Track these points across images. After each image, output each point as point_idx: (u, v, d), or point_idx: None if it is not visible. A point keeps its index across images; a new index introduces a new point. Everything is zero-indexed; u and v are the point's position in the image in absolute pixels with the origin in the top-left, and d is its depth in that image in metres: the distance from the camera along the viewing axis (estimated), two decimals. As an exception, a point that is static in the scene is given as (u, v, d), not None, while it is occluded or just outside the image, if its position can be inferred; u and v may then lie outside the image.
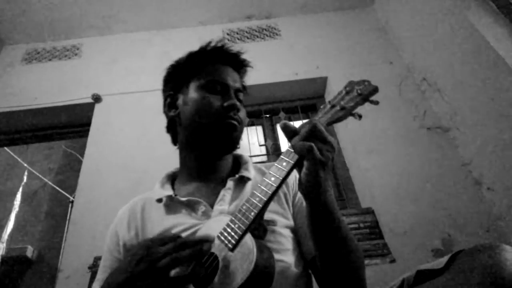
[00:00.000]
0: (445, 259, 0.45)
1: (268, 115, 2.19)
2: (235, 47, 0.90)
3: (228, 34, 2.35)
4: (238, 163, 0.87)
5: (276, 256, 0.60)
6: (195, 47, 0.90)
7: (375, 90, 0.60)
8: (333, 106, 0.61)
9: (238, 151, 0.87)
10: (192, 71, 0.85)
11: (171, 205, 0.76)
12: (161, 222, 0.74)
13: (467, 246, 0.45)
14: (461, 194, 1.57)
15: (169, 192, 0.79)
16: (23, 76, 2.19)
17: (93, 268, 1.40)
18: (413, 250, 1.43)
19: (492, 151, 1.53)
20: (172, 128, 0.89)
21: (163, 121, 0.93)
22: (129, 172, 1.71)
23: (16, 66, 2.24)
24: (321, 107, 0.64)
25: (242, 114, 0.82)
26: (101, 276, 0.75)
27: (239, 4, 2.33)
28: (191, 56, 0.88)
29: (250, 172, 0.81)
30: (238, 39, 2.32)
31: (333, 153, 0.56)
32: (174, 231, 0.70)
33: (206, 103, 0.78)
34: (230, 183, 0.77)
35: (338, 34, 2.30)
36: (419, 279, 0.48)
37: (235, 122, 0.78)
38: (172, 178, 0.88)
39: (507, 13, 1.55)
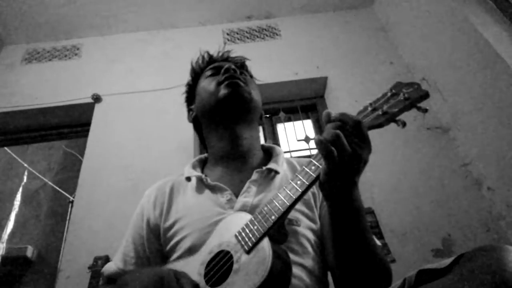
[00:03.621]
0: (448, 260, 0.45)
1: (268, 115, 2.19)
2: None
3: (228, 34, 2.35)
4: (270, 154, 0.86)
5: (295, 258, 0.59)
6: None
7: (426, 95, 0.53)
8: (374, 110, 0.55)
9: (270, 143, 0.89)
10: (196, 80, 0.93)
11: (199, 186, 0.77)
12: (186, 205, 0.74)
13: (467, 246, 0.45)
14: (461, 194, 1.57)
15: (199, 173, 0.79)
16: (23, 76, 2.19)
17: (93, 268, 1.40)
18: (413, 250, 1.43)
19: (492, 151, 1.53)
20: (198, 131, 0.95)
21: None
22: (129, 172, 1.71)
23: (16, 66, 2.24)
24: (361, 109, 0.57)
25: (247, 78, 0.87)
26: (122, 249, 0.77)
27: (239, 4, 2.33)
28: (191, 72, 0.97)
29: (280, 165, 0.79)
30: (238, 39, 2.32)
31: (360, 163, 0.52)
32: (196, 216, 0.70)
33: (206, 85, 0.85)
34: (256, 175, 0.75)
35: (338, 34, 2.30)
36: (420, 279, 0.48)
37: (235, 80, 0.80)
38: (203, 163, 0.89)
39: (507, 13, 1.55)
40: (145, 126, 1.88)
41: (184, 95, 0.99)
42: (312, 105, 2.20)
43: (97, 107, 2.02)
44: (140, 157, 1.76)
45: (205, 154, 0.92)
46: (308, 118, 2.17)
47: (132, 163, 1.74)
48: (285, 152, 2.00)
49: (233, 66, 0.84)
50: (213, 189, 0.74)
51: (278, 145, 2.03)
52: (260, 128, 2.15)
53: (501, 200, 1.48)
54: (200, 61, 0.95)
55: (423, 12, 1.93)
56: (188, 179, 0.80)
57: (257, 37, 2.32)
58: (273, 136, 2.10)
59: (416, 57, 2.04)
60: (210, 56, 0.96)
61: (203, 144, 0.95)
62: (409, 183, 1.62)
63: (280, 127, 2.12)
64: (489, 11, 1.61)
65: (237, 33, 2.35)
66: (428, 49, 1.91)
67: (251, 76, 0.95)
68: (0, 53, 2.31)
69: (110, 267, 0.76)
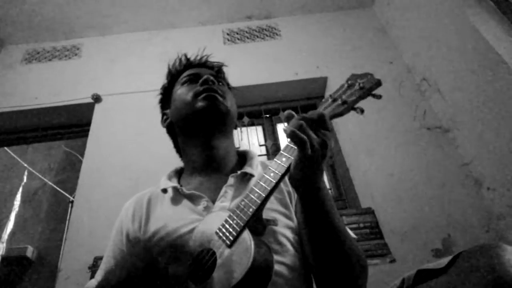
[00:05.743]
0: (446, 259, 0.45)
1: (268, 115, 2.19)
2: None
3: (228, 34, 2.35)
4: (245, 159, 0.86)
5: (276, 257, 0.59)
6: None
7: (378, 83, 0.58)
8: (334, 100, 0.59)
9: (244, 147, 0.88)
10: (172, 84, 0.93)
11: (175, 197, 0.77)
12: (164, 215, 0.74)
13: (467, 246, 0.45)
14: (461, 194, 1.57)
15: (175, 184, 0.79)
16: (23, 76, 2.19)
17: (93, 268, 1.40)
18: (413, 250, 1.43)
19: (492, 151, 1.53)
20: (172, 137, 0.95)
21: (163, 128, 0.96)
22: (129, 172, 1.71)
23: (16, 66, 2.24)
24: (322, 101, 0.62)
25: (223, 89, 0.86)
26: (104, 266, 0.77)
27: (239, 4, 2.33)
28: (168, 74, 0.96)
29: (254, 168, 0.80)
30: (238, 39, 2.32)
31: (326, 149, 0.54)
32: (174, 225, 0.70)
33: (183, 93, 0.84)
34: (231, 180, 0.76)
35: (338, 34, 2.30)
36: (419, 279, 0.48)
37: (213, 93, 0.80)
38: (179, 173, 0.89)
39: (507, 13, 1.55)
40: (145, 126, 1.88)
41: (158, 98, 0.98)
42: (312, 105, 2.20)
43: (97, 107, 2.02)
44: (140, 157, 1.76)
45: (181, 165, 0.92)
46: (308, 118, 2.17)
47: (132, 163, 1.74)
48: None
49: (211, 78, 0.83)
50: (190, 197, 0.75)
51: (278, 144, 2.04)
52: (260, 129, 2.15)
53: (501, 200, 1.48)
54: (177, 64, 0.95)
55: (423, 12, 1.93)
56: (164, 190, 0.80)
57: (257, 37, 2.32)
58: (273, 136, 2.10)
59: (416, 57, 2.04)
60: (188, 59, 0.95)
61: (178, 152, 0.95)
62: (409, 183, 1.62)
63: (280, 127, 2.12)
64: (489, 11, 1.61)
65: (237, 33, 2.35)
66: (428, 49, 1.91)
67: (228, 84, 0.95)
68: (0, 53, 2.31)
69: (91, 283, 0.75)
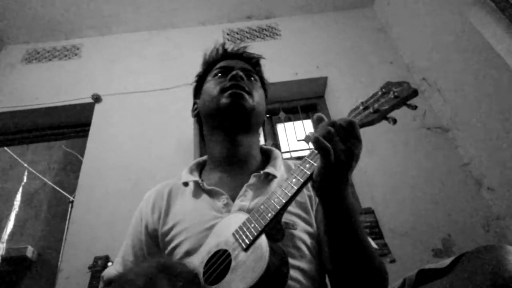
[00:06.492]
0: (448, 260, 0.45)
1: (268, 115, 2.19)
2: (231, 47, 0.93)
3: (228, 34, 2.35)
4: (269, 157, 0.85)
5: (292, 261, 0.58)
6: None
7: (414, 92, 0.55)
8: (366, 108, 0.57)
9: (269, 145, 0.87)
10: (206, 73, 0.91)
11: (196, 191, 0.77)
12: (183, 209, 0.74)
13: (467, 246, 0.45)
14: (461, 194, 1.57)
15: (196, 178, 0.79)
16: (23, 76, 2.19)
17: (93, 268, 1.40)
18: (413, 250, 1.43)
19: (492, 151, 1.53)
20: (200, 128, 0.93)
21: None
22: (129, 172, 1.71)
23: (16, 66, 2.24)
24: (353, 108, 0.59)
25: (253, 85, 0.85)
26: (122, 253, 0.77)
27: (239, 4, 2.33)
28: (203, 62, 0.94)
29: (277, 169, 0.78)
30: (238, 39, 2.32)
31: (353, 159, 0.52)
32: (193, 221, 0.70)
33: (211, 86, 0.83)
34: (253, 179, 0.74)
35: (338, 34, 2.30)
36: (420, 279, 0.48)
37: (238, 90, 0.79)
38: (201, 166, 0.88)
39: (507, 13, 1.55)
40: (145, 126, 1.88)
41: (193, 85, 0.97)
42: (312, 105, 2.20)
43: (97, 107, 2.02)
44: (140, 157, 1.76)
45: (204, 157, 0.91)
46: (308, 118, 2.17)
47: (132, 163, 1.74)
48: (285, 152, 2.00)
49: (240, 73, 0.81)
50: (210, 193, 0.74)
51: (278, 145, 2.03)
52: (260, 129, 2.15)
53: (501, 200, 1.48)
54: (214, 53, 0.93)
55: (423, 12, 1.93)
56: (186, 184, 0.80)
57: (257, 37, 2.32)
58: (273, 136, 2.10)
59: (416, 57, 2.04)
60: (225, 50, 0.93)
61: (203, 141, 0.94)
62: (409, 183, 1.62)
63: (280, 127, 2.12)
64: (489, 11, 1.61)
65: (237, 33, 2.35)
66: (428, 49, 1.91)
67: (262, 78, 0.94)
68: (0, 53, 2.31)
69: (109, 271, 0.76)
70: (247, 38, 2.32)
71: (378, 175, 1.65)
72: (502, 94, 1.46)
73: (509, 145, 1.44)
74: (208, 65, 0.93)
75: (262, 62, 1.01)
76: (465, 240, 1.44)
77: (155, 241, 0.75)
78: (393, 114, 0.56)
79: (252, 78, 0.88)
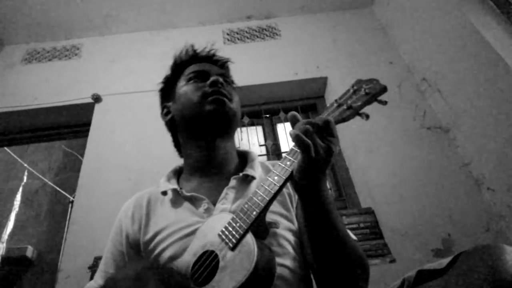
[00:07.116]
0: (446, 260, 0.45)
1: (268, 115, 2.19)
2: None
3: (228, 34, 2.35)
4: (245, 160, 0.85)
5: (277, 259, 0.59)
6: (195, 47, 0.93)
7: (383, 89, 0.59)
8: (339, 105, 0.60)
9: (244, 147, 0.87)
10: (176, 76, 0.90)
11: (176, 199, 0.76)
12: (164, 217, 0.74)
13: (467, 246, 0.45)
14: (461, 194, 1.57)
15: (175, 186, 0.78)
16: (23, 76, 2.19)
17: (93, 268, 1.40)
18: (413, 250, 1.43)
19: (492, 151, 1.53)
20: (172, 132, 0.92)
21: (162, 121, 0.94)
22: (129, 172, 1.71)
23: (16, 66, 2.24)
24: (327, 105, 0.62)
25: (231, 90, 0.85)
26: (103, 266, 0.76)
27: (239, 4, 2.33)
28: (173, 64, 0.93)
29: (256, 170, 0.79)
30: (238, 39, 2.32)
31: (331, 156, 0.54)
32: (175, 227, 0.69)
33: (189, 91, 0.82)
34: (233, 182, 0.75)
35: (338, 34, 2.30)
36: (419, 279, 0.48)
37: (221, 97, 0.79)
38: (178, 173, 0.88)
39: (507, 13, 1.55)
40: (145, 126, 1.88)
41: (160, 88, 0.95)
42: (312, 105, 2.20)
43: (97, 107, 2.02)
44: (140, 157, 1.76)
45: (180, 164, 0.90)
46: (308, 118, 2.16)
47: (132, 163, 1.74)
48: (285, 152, 2.00)
49: (221, 80, 0.81)
50: (190, 200, 0.74)
51: (278, 145, 2.04)
52: (260, 129, 2.15)
53: (501, 200, 1.48)
54: (183, 54, 0.92)
55: (423, 12, 1.93)
56: (164, 193, 0.79)
57: (257, 37, 2.32)
58: (273, 136, 2.10)
59: (416, 57, 2.04)
60: (194, 51, 0.92)
61: (176, 147, 0.93)
62: (409, 183, 1.62)
63: (280, 127, 2.12)
64: (489, 11, 1.61)
65: (237, 33, 2.35)
66: (428, 49, 1.91)
67: (232, 82, 0.93)
68: (0, 53, 2.31)
69: (91, 285, 0.75)
70: (247, 38, 2.32)
71: (378, 175, 1.65)
72: (502, 94, 1.46)
73: (509, 145, 1.44)
74: (178, 67, 0.91)
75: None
76: (465, 240, 1.44)
77: (136, 251, 0.74)
78: (365, 110, 0.59)
79: (228, 84, 0.88)
